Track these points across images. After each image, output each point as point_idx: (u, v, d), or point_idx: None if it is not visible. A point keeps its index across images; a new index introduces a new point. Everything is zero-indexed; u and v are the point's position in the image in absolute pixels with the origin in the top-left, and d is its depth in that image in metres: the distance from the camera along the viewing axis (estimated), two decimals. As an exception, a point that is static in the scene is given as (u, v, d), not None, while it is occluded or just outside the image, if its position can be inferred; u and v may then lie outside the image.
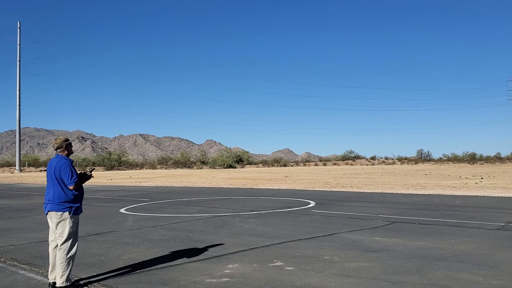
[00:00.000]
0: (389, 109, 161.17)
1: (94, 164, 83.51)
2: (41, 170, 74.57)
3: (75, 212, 5.46)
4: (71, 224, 5.38)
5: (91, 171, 5.62)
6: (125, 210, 13.94)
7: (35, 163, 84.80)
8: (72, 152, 5.58)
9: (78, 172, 5.57)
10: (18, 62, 69.98)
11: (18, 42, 69.74)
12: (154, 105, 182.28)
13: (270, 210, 13.41)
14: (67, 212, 5.36)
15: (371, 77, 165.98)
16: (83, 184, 5.60)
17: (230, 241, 8.24)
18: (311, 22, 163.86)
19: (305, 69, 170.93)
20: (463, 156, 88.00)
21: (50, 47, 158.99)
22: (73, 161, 5.54)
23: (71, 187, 5.31)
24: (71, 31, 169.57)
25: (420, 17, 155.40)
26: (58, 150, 5.48)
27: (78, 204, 5.50)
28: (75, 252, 5.46)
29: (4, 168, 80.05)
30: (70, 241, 5.39)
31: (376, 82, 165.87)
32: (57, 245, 5.41)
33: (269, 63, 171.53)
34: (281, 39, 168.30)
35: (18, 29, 69.99)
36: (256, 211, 13.19)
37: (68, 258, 5.35)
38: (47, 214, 5.49)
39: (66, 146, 5.48)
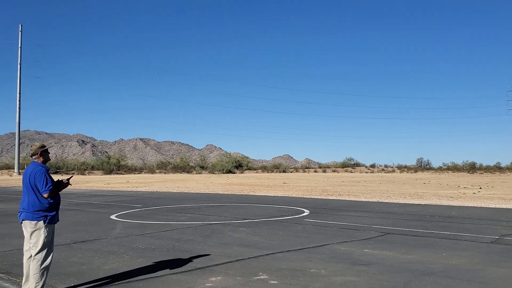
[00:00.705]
0: (390, 117, 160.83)
1: (93, 168, 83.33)
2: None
3: (51, 221, 5.29)
4: (46, 234, 5.22)
5: (68, 179, 5.45)
6: (115, 216, 13.76)
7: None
8: (49, 159, 5.42)
9: (56, 180, 5.41)
10: (19, 65, 69.94)
11: (19, 45, 69.76)
12: (155, 109, 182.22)
13: (263, 218, 13.23)
14: (41, 221, 5.19)
15: (372, 84, 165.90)
16: (61, 191, 5.45)
17: (217, 252, 8.05)
18: (313, 27, 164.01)
19: (307, 75, 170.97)
20: (463, 165, 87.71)
21: (51, 50, 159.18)
22: (49, 168, 5.38)
23: (45, 195, 5.15)
24: (72, 35, 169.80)
25: (419, 25, 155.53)
26: (34, 157, 5.32)
27: (54, 213, 5.33)
28: (50, 263, 5.28)
29: (3, 170, 79.83)
30: (44, 251, 5.22)
31: (377, 89, 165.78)
32: (31, 255, 5.24)
33: (271, 69, 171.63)
34: (282, 44, 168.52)
35: (20, 32, 70.02)
36: (248, 219, 13.00)
37: (42, 269, 5.17)
38: (21, 223, 5.32)
39: (42, 152, 5.33)
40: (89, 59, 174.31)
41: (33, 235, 5.20)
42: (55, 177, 5.68)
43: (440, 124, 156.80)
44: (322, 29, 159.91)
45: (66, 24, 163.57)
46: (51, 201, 5.25)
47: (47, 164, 5.46)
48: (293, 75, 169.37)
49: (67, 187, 5.54)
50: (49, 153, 5.42)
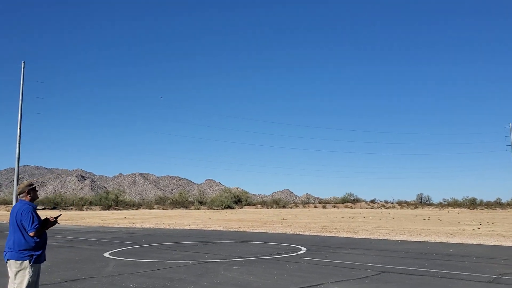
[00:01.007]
0: (390, 152, 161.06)
1: (91, 203, 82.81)
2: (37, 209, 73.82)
3: (36, 261, 5.21)
4: (31, 274, 5.13)
5: (56, 217, 5.41)
6: (109, 254, 13.57)
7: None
8: (37, 197, 5.40)
9: (43, 218, 5.37)
10: (20, 101, 70.49)
11: (21, 82, 70.51)
12: (155, 144, 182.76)
13: (259, 256, 13.04)
14: (27, 261, 5.12)
15: (373, 120, 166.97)
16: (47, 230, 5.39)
17: (209, 291, 7.89)
18: (311, 62, 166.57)
19: (308, 110, 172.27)
20: (463, 201, 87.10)
21: (51, 86, 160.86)
22: (37, 206, 5.35)
23: (31, 234, 5.10)
24: (72, 70, 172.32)
25: (418, 60, 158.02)
26: (21, 195, 5.31)
27: (40, 252, 5.26)
28: (34, 304, 5.17)
29: (1, 206, 79.36)
30: (28, 292, 5.11)
31: (378, 125, 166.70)
32: (15, 296, 5.14)
33: (271, 104, 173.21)
34: (281, 79, 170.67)
35: (22, 69, 70.95)
36: (243, 257, 12.82)
37: (25, 310, 5.06)
38: (6, 262, 5.25)
39: (29, 191, 5.32)
40: (89, 95, 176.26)
41: (18, 275, 5.11)
42: (54, 213, 5.62)
43: (440, 159, 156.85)
44: (320, 63, 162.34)
45: (65, 60, 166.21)
46: (38, 240, 5.19)
47: (35, 202, 5.43)
48: (294, 110, 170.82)
49: (55, 225, 5.49)
50: (37, 191, 5.41)
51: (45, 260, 5.42)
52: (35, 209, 5.24)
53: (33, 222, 5.11)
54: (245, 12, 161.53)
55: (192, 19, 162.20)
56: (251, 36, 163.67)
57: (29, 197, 5.33)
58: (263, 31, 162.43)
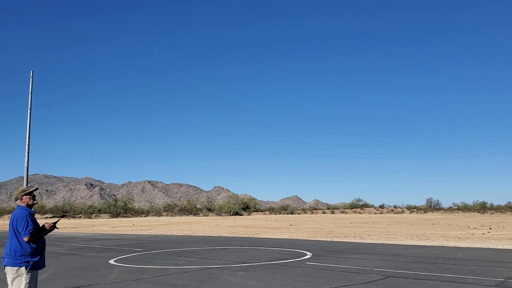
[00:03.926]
0: (399, 157, 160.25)
1: (100, 211, 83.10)
2: (46, 217, 74.34)
3: (34, 267, 5.19)
4: (27, 280, 5.11)
5: (54, 223, 5.39)
6: (114, 261, 13.56)
7: (41, 210, 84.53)
8: (34, 202, 5.39)
9: (42, 224, 5.36)
10: (28, 110, 71.05)
11: (30, 91, 71.14)
12: (163, 152, 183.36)
13: (263, 261, 12.96)
14: (23, 267, 5.11)
15: (381, 125, 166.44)
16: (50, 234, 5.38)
17: (211, 297, 7.84)
18: (318, 68, 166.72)
19: (316, 116, 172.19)
20: (473, 205, 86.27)
21: (60, 95, 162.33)
22: (34, 212, 5.34)
23: (25, 239, 5.08)
24: (80, 79, 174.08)
25: (427, 65, 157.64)
26: (17, 202, 5.31)
27: (37, 258, 5.24)
28: (31, 311, 5.15)
29: (9, 215, 79.93)
30: (25, 299, 5.09)
31: (387, 130, 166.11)
32: (12, 303, 5.12)
33: (279, 110, 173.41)
34: (289, 86, 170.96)
35: (31, 78, 71.61)
36: (248, 263, 12.74)
37: (22, 317, 5.04)
38: (4, 268, 5.24)
39: (22, 197, 5.32)
40: (97, 104, 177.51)
41: (14, 281, 5.10)
42: (54, 220, 5.59)
43: (449, 163, 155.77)
44: (328, 70, 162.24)
45: (74, 69, 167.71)
46: (34, 246, 5.17)
47: (33, 208, 5.43)
48: (302, 116, 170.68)
49: (53, 231, 5.48)
50: (34, 196, 5.41)
51: (44, 266, 5.40)
52: (31, 215, 5.23)
53: (27, 227, 5.09)
54: (250, 23, 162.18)
55: (201, 29, 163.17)
56: (262, 46, 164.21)
57: (24, 203, 5.33)
58: (271, 40, 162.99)
